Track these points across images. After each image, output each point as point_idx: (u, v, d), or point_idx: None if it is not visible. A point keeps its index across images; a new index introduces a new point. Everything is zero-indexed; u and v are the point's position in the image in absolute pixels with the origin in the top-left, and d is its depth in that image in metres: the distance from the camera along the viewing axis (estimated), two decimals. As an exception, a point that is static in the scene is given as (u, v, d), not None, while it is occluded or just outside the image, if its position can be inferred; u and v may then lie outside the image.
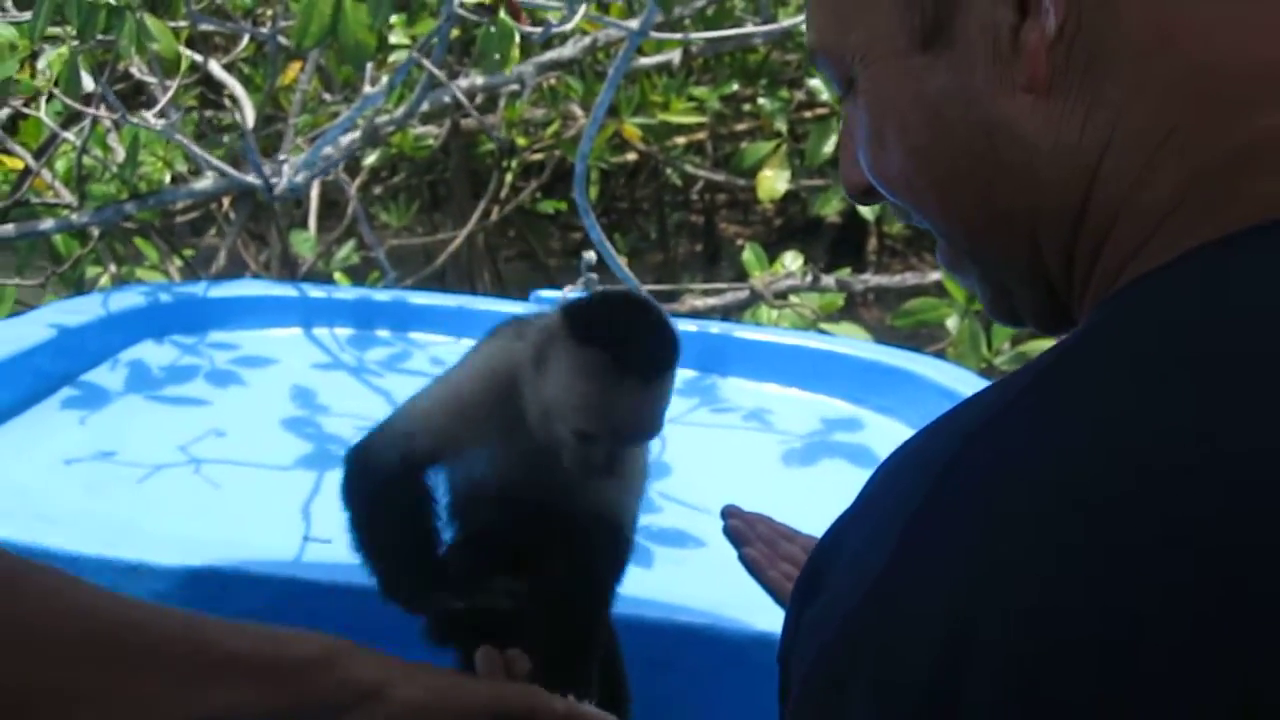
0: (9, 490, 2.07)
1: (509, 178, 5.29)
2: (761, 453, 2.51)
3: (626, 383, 1.13)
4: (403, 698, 1.07)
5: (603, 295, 1.34)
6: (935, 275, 3.60)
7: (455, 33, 3.41)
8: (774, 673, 1.92)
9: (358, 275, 4.07)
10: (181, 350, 2.81)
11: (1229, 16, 0.61)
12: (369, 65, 3.20)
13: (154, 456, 2.26)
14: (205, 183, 3.28)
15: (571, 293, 2.99)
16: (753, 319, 3.28)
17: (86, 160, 3.35)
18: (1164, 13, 0.61)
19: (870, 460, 2.46)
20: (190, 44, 3.09)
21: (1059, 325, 0.71)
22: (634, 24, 2.60)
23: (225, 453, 2.31)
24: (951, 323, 3.28)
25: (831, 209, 4.35)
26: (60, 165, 3.52)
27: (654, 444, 1.36)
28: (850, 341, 3.02)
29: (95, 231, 3.48)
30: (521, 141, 4.89)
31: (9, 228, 3.18)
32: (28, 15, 2.63)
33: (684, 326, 2.89)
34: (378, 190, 5.73)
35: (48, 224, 3.23)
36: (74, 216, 3.24)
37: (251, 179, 2.91)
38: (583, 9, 2.47)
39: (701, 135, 5.57)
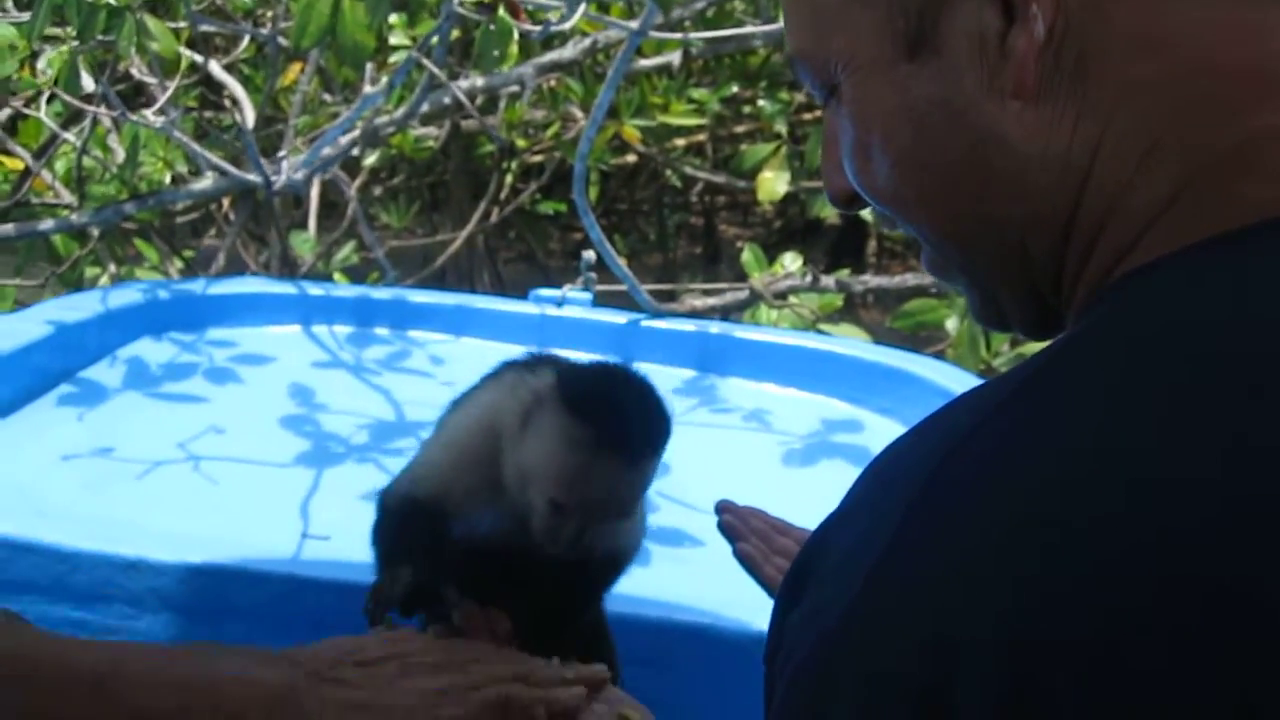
0: (7, 486, 2.07)
1: (509, 179, 5.29)
2: (761, 453, 2.51)
3: (608, 459, 1.11)
4: None
5: (600, 366, 1.30)
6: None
7: (455, 33, 3.41)
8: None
9: (357, 276, 4.07)
10: (180, 347, 2.80)
11: (1217, 18, 0.61)
12: (369, 66, 3.21)
13: (152, 453, 2.26)
14: (205, 183, 3.28)
15: (572, 292, 2.99)
16: (752, 319, 3.28)
17: (86, 161, 3.35)
18: (1152, 15, 0.61)
19: (869, 461, 2.46)
20: (190, 45, 3.09)
21: (1047, 331, 0.70)
22: (634, 24, 2.60)
23: (224, 450, 2.30)
24: (951, 324, 3.28)
25: (831, 211, 4.35)
26: (60, 166, 3.52)
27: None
28: (850, 342, 3.02)
29: (95, 232, 3.48)
30: (521, 143, 4.89)
31: (9, 228, 3.18)
32: (28, 15, 2.63)
33: (683, 326, 2.93)
34: (377, 191, 5.73)
35: (47, 224, 3.23)
36: (74, 217, 3.24)
37: (251, 176, 2.90)
38: (582, 8, 2.47)
39: (701, 137, 5.58)
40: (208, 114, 4.58)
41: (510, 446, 1.17)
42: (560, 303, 2.96)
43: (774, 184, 4.17)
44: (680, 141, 5.41)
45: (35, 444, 2.28)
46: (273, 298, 2.98)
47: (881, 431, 2.61)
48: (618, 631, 1.52)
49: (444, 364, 2.83)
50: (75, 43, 2.63)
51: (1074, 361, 0.59)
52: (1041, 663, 0.49)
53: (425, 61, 3.00)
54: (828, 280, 3.33)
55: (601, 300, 3.03)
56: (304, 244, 4.08)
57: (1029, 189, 0.64)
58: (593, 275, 2.99)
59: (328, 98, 4.32)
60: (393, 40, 3.55)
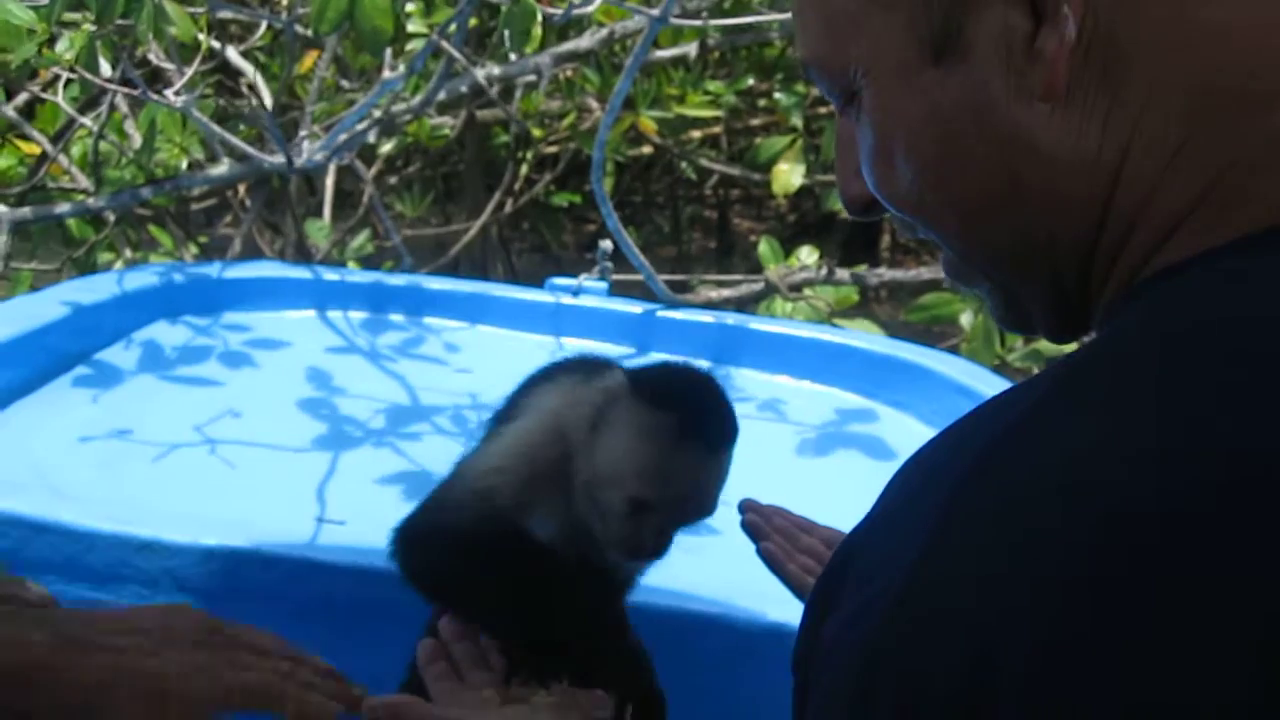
0: (23, 466, 2.07)
1: (524, 169, 5.29)
2: (775, 444, 2.50)
3: (692, 449, 1.10)
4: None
5: (667, 365, 1.29)
6: (950, 271, 3.59)
7: (473, 22, 3.40)
8: (785, 663, 1.92)
9: (372, 265, 4.07)
10: (195, 331, 2.81)
11: (1245, 15, 0.60)
12: (387, 53, 3.20)
13: (168, 435, 2.26)
14: (221, 169, 3.28)
15: (587, 281, 2.99)
16: (767, 312, 3.28)
17: (103, 146, 3.36)
18: (1180, 13, 0.60)
19: (883, 453, 2.46)
20: (207, 31, 3.09)
21: (1072, 333, 0.69)
22: (654, 11, 2.59)
23: (239, 433, 2.31)
24: (965, 318, 3.27)
25: (846, 205, 4.34)
26: (76, 151, 3.53)
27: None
28: (864, 335, 3.02)
29: (110, 217, 3.49)
30: (537, 133, 4.89)
31: (25, 211, 3.19)
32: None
33: (698, 317, 2.93)
34: (392, 180, 5.73)
35: (63, 208, 3.24)
36: (90, 201, 3.24)
37: (271, 158, 2.90)
38: (605, -8, 2.47)
39: (717, 129, 5.57)
40: (224, 101, 4.58)
41: (581, 450, 1.13)
42: (576, 292, 2.96)
43: (789, 177, 4.16)
44: (696, 134, 5.40)
45: (51, 425, 2.29)
46: (288, 282, 2.98)
47: (895, 424, 2.61)
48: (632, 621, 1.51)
49: (459, 351, 2.83)
50: (93, 27, 2.64)
51: (1110, 361, 0.58)
52: (1079, 677, 0.49)
53: (444, 45, 3.00)
54: (843, 273, 3.32)
55: (617, 290, 3.03)
56: (319, 232, 4.08)
57: (1058, 192, 0.63)
58: (609, 265, 2.99)
59: (345, 84, 4.32)
60: (410, 28, 3.55)
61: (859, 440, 2.53)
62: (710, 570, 1.90)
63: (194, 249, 3.92)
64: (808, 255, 3.42)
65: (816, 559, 1.20)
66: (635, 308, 2.93)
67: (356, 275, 3.13)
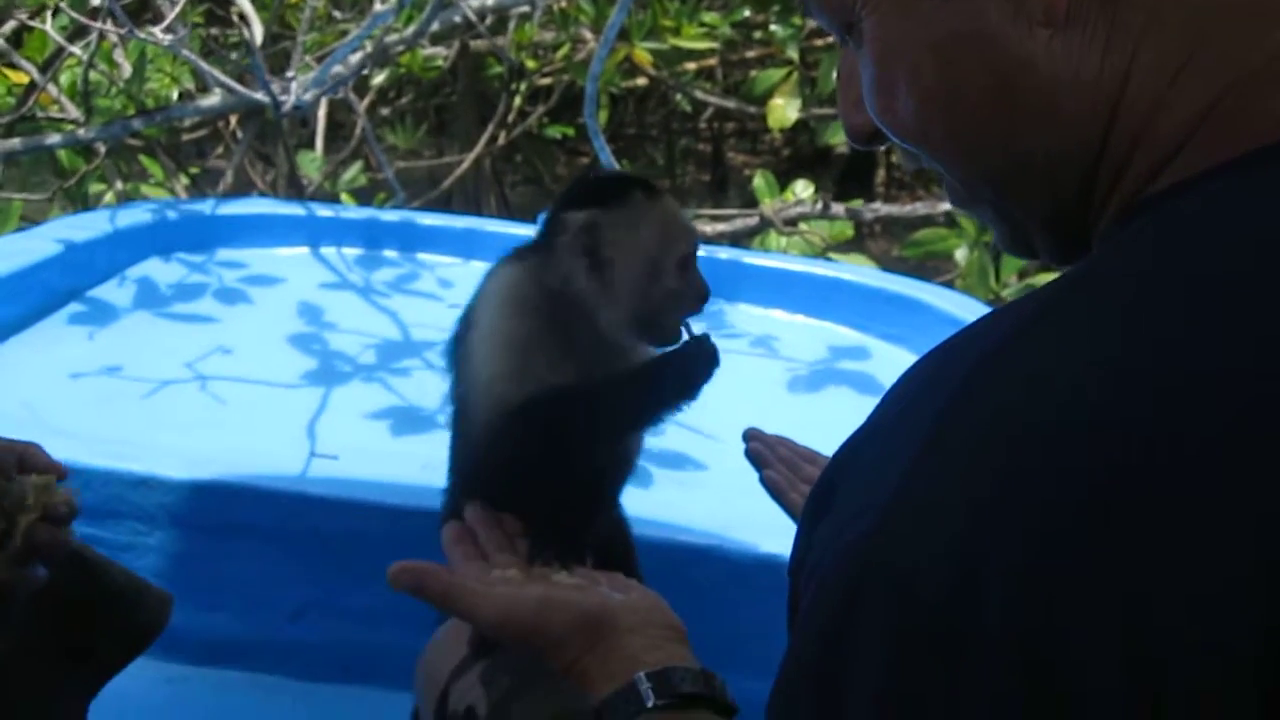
0: (17, 402, 2.08)
1: (517, 101, 5.25)
2: (768, 378, 2.51)
3: (669, 200, 1.18)
4: None
5: (586, 175, 1.35)
6: (945, 206, 3.58)
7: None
8: (779, 593, 1.93)
9: (364, 197, 4.05)
10: (189, 268, 2.80)
11: None
12: (378, -17, 3.17)
13: (161, 372, 2.26)
14: (213, 100, 3.26)
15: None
16: (762, 246, 3.27)
17: (93, 76, 3.32)
18: None
19: (877, 388, 2.46)
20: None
21: (1074, 257, 0.69)
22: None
23: (232, 369, 2.31)
24: (960, 254, 3.27)
25: (842, 138, 4.31)
26: (65, 79, 3.49)
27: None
28: (858, 269, 3.02)
29: (101, 148, 3.46)
30: (531, 65, 4.85)
31: (14, 142, 3.16)
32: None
33: (692, 252, 2.91)
34: (385, 111, 5.69)
35: (54, 139, 3.21)
36: (80, 132, 3.22)
37: (259, 96, 2.88)
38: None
39: (712, 61, 5.52)
40: (215, 31, 4.53)
41: (590, 291, 1.15)
42: (569, 226, 2.95)
43: (785, 110, 4.13)
44: (691, 66, 5.35)
45: (45, 362, 2.29)
46: (281, 219, 2.97)
47: (889, 358, 2.61)
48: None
49: (452, 287, 2.83)
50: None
51: (1099, 283, 0.58)
52: (1065, 581, 0.49)
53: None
54: (838, 208, 3.31)
55: (610, 224, 3.02)
56: (311, 164, 4.06)
57: (1059, 118, 0.63)
58: (602, 199, 2.98)
59: (336, 14, 4.27)
60: (402, -43, 3.50)
61: (851, 374, 2.54)
62: (705, 503, 1.92)
63: (185, 180, 3.90)
64: (803, 189, 3.41)
65: None
66: (629, 242, 2.93)
67: (350, 211, 3.12)
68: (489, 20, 3.85)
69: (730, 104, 5.31)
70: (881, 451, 0.59)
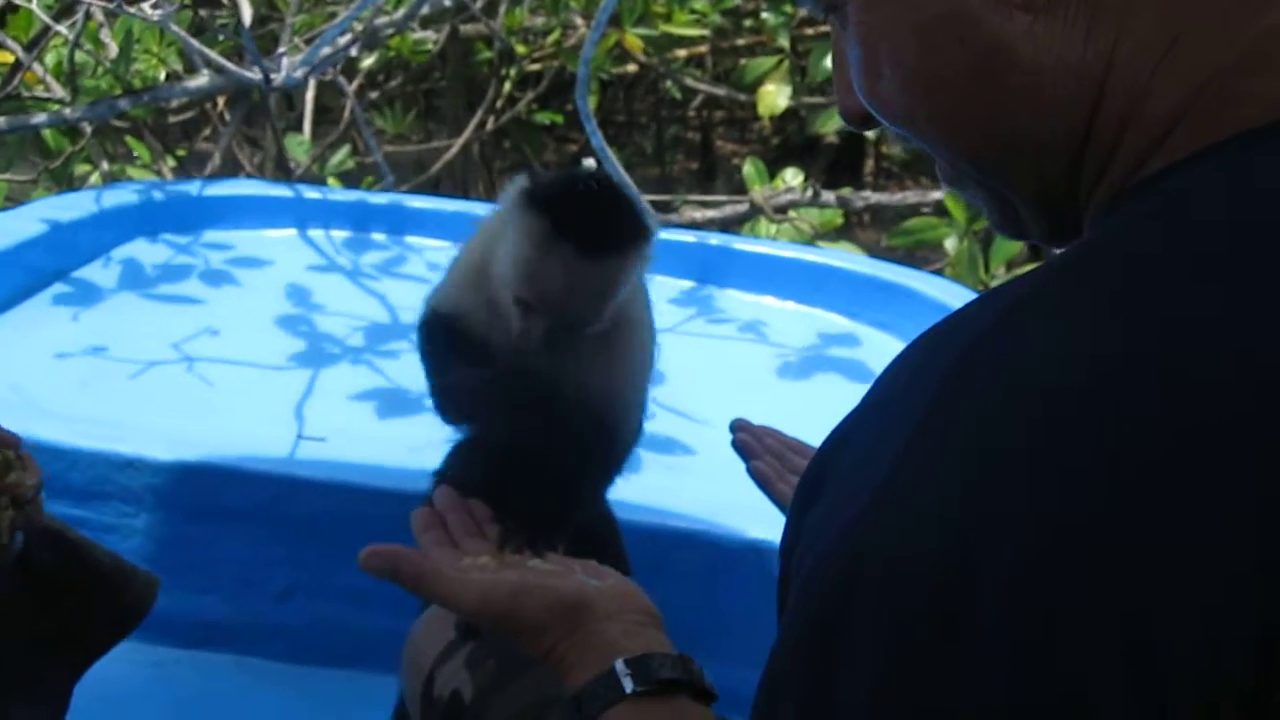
0: (2, 383, 2.06)
1: (507, 87, 5.22)
2: (756, 364, 2.51)
3: (562, 251, 1.10)
4: None
5: (570, 172, 1.29)
6: (936, 194, 3.58)
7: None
8: (766, 579, 1.93)
9: (352, 182, 4.03)
10: (175, 249, 2.78)
11: None
12: (368, -35, 3.14)
13: (147, 353, 2.25)
14: (201, 80, 3.23)
15: (570, 201, 2.96)
16: (751, 233, 3.27)
17: (79, 56, 3.29)
18: None
19: (866, 375, 2.46)
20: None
21: (1065, 239, 0.69)
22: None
23: (219, 351, 2.30)
24: (950, 243, 3.27)
25: (832, 127, 4.30)
26: (51, 59, 3.46)
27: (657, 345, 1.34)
28: (848, 256, 3.01)
29: (87, 129, 3.43)
30: (521, 50, 4.82)
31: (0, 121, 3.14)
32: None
33: (682, 237, 2.91)
34: (374, 95, 5.66)
35: (40, 118, 3.19)
36: (66, 111, 3.19)
37: (249, 74, 2.86)
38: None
39: (703, 49, 5.50)
40: (203, 12, 4.50)
41: (494, 258, 1.17)
42: (559, 211, 2.93)
43: (775, 98, 4.13)
44: (681, 53, 5.34)
45: (30, 342, 2.28)
46: (269, 200, 2.96)
47: (877, 346, 2.61)
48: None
49: (441, 270, 2.81)
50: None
51: (1090, 265, 0.58)
52: (1057, 568, 0.49)
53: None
54: (828, 196, 3.30)
55: (600, 210, 3.01)
56: (299, 147, 4.03)
57: (1043, 103, 0.62)
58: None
59: (324, -3, 4.25)
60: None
61: (841, 362, 2.53)
62: (691, 488, 1.92)
63: (172, 163, 3.87)
64: (793, 177, 3.41)
65: None
66: (618, 227, 2.92)
67: (338, 194, 3.11)
68: (479, 3, 3.83)
69: (720, 91, 5.30)
70: (873, 436, 0.58)
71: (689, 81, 5.39)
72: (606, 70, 4.74)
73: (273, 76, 2.75)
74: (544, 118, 5.69)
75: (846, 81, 0.71)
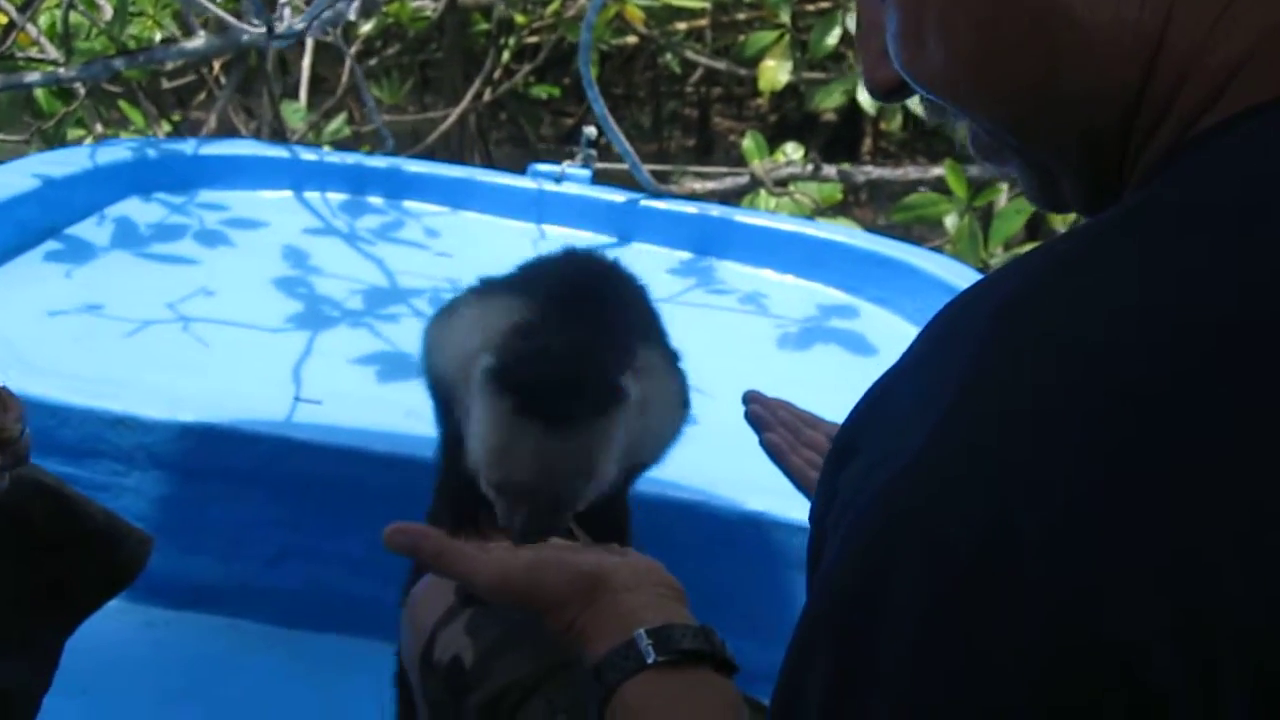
0: (-6, 338, 2.03)
1: (505, 57, 5.19)
2: (755, 337, 2.49)
3: (528, 430, 0.99)
4: None
5: (536, 346, 1.06)
6: (937, 171, 3.55)
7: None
8: (764, 551, 1.91)
9: (348, 150, 4.00)
10: (169, 209, 2.75)
11: None
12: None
13: (141, 312, 2.22)
14: (198, 42, 3.19)
15: (570, 169, 2.94)
16: (750, 207, 3.24)
17: (73, 18, 3.26)
18: None
19: (865, 349, 2.45)
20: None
21: (1104, 207, 0.67)
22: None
23: (214, 312, 2.27)
24: (950, 220, 3.24)
25: (833, 102, 4.27)
26: (45, 21, 3.42)
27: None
28: (849, 230, 2.99)
29: (81, 91, 3.40)
30: (520, 19, 4.79)
31: (-7, 80, 3.10)
32: None
33: (683, 208, 2.89)
34: (371, 63, 5.62)
35: (33, 76, 3.15)
36: (60, 71, 3.15)
37: (250, 26, 2.82)
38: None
39: (703, 22, 5.47)
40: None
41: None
42: (559, 179, 2.91)
43: (775, 73, 4.09)
44: (681, 25, 5.31)
45: (22, 299, 2.25)
46: (265, 161, 2.92)
47: (877, 322, 2.59)
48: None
49: (439, 236, 2.79)
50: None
51: (1140, 222, 0.56)
52: (1105, 540, 0.47)
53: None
54: (829, 170, 3.28)
55: (599, 180, 2.99)
56: (294, 114, 4.00)
57: (1097, 63, 0.60)
58: (593, 152, 2.94)
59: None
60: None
61: (840, 336, 2.51)
62: (691, 459, 1.89)
63: (167, 128, 3.83)
64: (793, 151, 3.38)
65: (821, 452, 1.18)
66: (619, 196, 2.89)
67: (335, 156, 3.08)
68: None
69: (721, 65, 5.27)
70: (912, 394, 0.56)
71: (689, 54, 5.36)
72: (606, 41, 4.71)
73: (275, 25, 2.71)
74: (541, 91, 5.66)
75: (877, 52, 0.68)
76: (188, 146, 2.92)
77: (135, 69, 3.25)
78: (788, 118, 7.22)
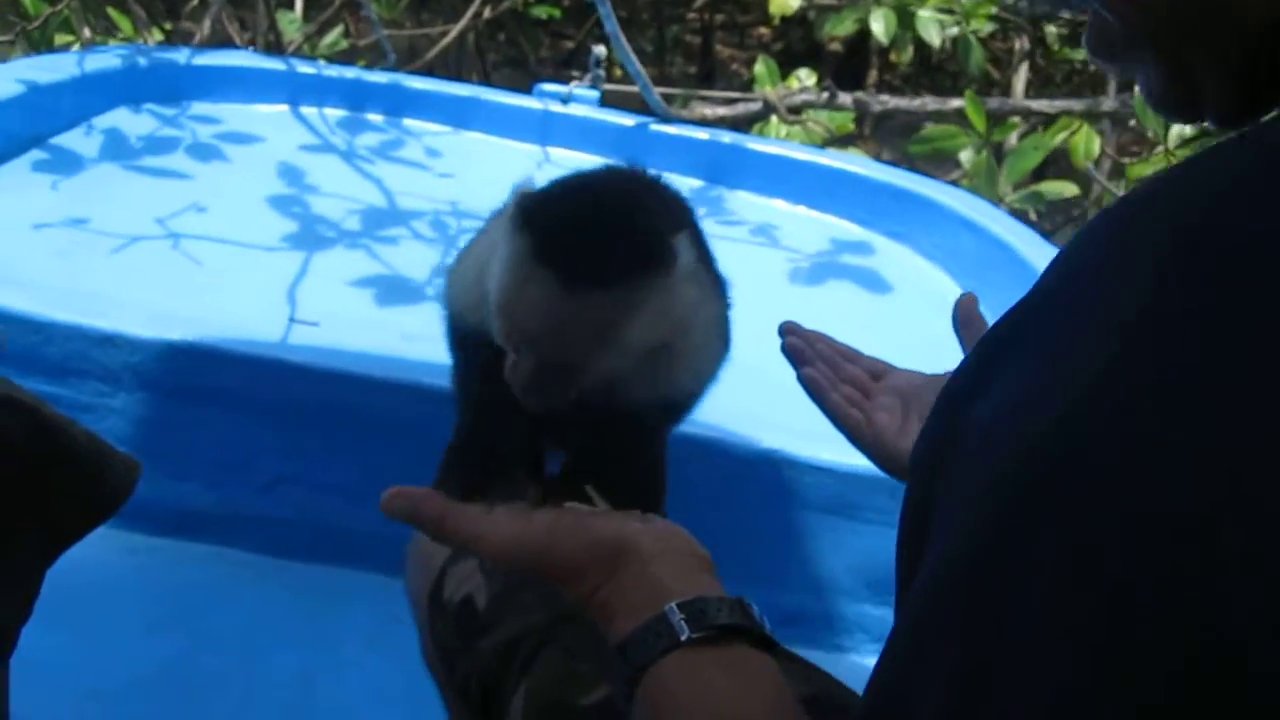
0: (-26, 250, 1.95)
1: (508, -27, 5.04)
2: (768, 269, 2.41)
3: (542, 279, 0.88)
4: None
5: (577, 175, 0.98)
6: (956, 102, 3.45)
7: None
8: (778, 489, 1.83)
9: (345, 64, 3.88)
10: (160, 120, 2.65)
11: None
12: None
13: (131, 227, 2.13)
14: (189, -55, 3.07)
15: (578, 89, 2.83)
16: (762, 134, 3.14)
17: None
18: None
19: (879, 285, 2.36)
20: None
21: (1245, 117, 0.58)
22: None
23: (207, 229, 2.18)
24: (966, 155, 3.15)
25: (845, 29, 4.15)
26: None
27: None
28: (864, 161, 2.90)
29: (69, -7, 3.27)
30: (524, -66, 4.64)
31: (-24, -20, 2.98)
32: None
33: (693, 134, 2.79)
34: (368, -23, 5.46)
35: (18, -24, 3.03)
36: (46, -31, 3.03)
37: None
38: None
39: (710, -56, 5.33)
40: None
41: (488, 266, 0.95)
42: (566, 99, 2.81)
43: (786, -1, 3.97)
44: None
45: (5, 209, 2.15)
46: (260, 73, 2.82)
47: (892, 257, 2.51)
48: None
49: (441, 156, 2.69)
50: None
51: None
52: None
53: None
54: (844, 98, 3.18)
55: (606, 102, 2.89)
56: (290, 25, 3.87)
57: None
58: (601, 73, 2.84)
59: None
60: None
61: (854, 271, 2.43)
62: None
63: (158, 35, 3.71)
64: (806, 77, 3.28)
65: (861, 389, 1.08)
66: (628, 120, 2.79)
67: (334, 70, 2.96)
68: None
69: (729, -11, 5.13)
70: (1061, 330, 0.48)
71: (696, -23, 5.22)
72: (612, -41, 4.57)
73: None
74: (541, 11, 5.54)
75: None
76: (180, 56, 2.81)
77: (126, -29, 3.13)
78: (792, 47, 7.08)
